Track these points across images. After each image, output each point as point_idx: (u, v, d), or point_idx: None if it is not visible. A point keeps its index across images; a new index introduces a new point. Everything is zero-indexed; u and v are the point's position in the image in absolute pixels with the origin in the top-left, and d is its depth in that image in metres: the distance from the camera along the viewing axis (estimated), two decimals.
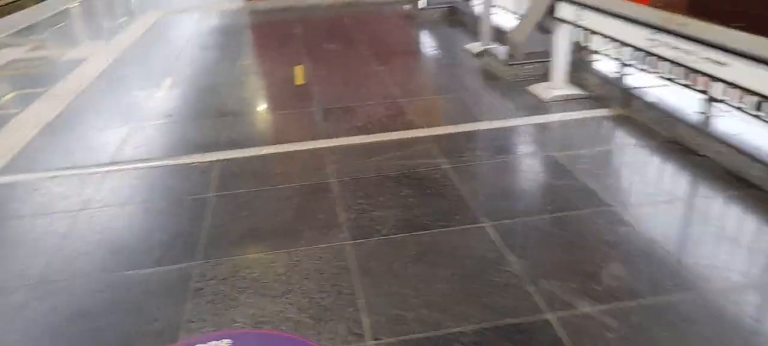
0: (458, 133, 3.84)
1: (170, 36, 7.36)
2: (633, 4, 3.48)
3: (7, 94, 5.09)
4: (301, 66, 5.63)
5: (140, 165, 3.53)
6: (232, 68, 5.74)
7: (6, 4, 19.04)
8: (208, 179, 3.28)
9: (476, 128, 3.94)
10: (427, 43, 6.59)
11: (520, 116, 4.11)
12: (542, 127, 3.89)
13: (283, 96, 4.84)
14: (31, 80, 5.51)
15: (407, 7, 8.57)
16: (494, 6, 5.98)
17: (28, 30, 8.05)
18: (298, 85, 5.08)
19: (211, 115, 4.40)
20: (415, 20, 7.74)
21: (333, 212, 2.87)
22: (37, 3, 11.95)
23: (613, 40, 3.93)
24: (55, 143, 3.93)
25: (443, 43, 6.59)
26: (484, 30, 5.98)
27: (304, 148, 3.70)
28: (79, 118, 4.43)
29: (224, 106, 4.59)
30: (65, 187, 3.27)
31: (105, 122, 4.32)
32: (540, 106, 4.25)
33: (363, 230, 2.69)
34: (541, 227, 2.68)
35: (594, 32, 4.16)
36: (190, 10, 9.10)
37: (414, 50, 6.40)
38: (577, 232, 2.61)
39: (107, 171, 3.46)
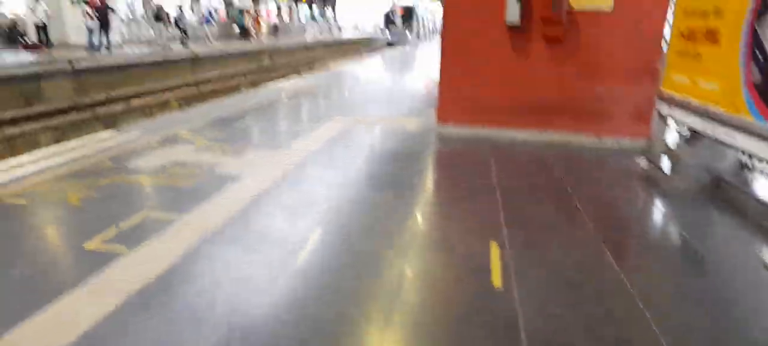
0: None
1: (343, 156, 6.26)
2: None
3: (135, 214, 4.19)
4: (497, 246, 3.87)
5: None
6: (401, 225, 4.22)
7: (222, 89, 21.07)
8: None
9: None
10: (692, 238, 4.33)
11: None
12: None
13: (474, 317, 3.04)
14: (169, 199, 4.64)
15: (643, 163, 6.42)
16: None
17: (215, 123, 7.77)
18: (494, 287, 3.30)
19: (355, 332, 2.81)
20: (658, 188, 5.55)
21: None
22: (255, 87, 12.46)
23: None
24: None
25: (718, 243, 4.32)
26: None
27: None
28: (174, 292, 3.19)
29: (376, 314, 2.99)
30: None
31: (201, 317, 2.98)
32: None
33: None
34: None
35: None
36: (376, 122, 8.15)
37: (675, 250, 4.19)
38: None
39: None
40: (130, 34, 25.30)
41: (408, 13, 41.53)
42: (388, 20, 41.60)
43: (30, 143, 12.21)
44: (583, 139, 7.33)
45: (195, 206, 4.38)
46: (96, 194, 4.62)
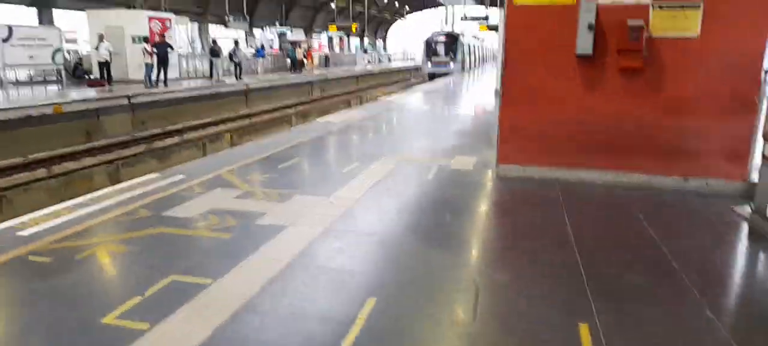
0: None
1: (393, 205, 5.65)
2: None
3: (163, 278, 3.73)
4: (588, 330, 3.14)
5: None
6: (462, 296, 3.56)
7: (273, 121, 21.00)
8: None
9: None
10: None
11: None
12: None
13: None
14: (203, 258, 4.17)
15: (745, 212, 5.48)
16: None
17: (261, 163, 7.40)
18: None
19: None
20: None
21: None
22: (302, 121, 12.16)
23: None
24: None
25: None
26: None
27: None
28: None
29: None
30: None
31: None
32: None
33: None
34: None
35: None
36: (428, 162, 7.55)
37: None
38: None
39: None
40: (188, 69, 26.02)
41: (451, 41, 35.63)
42: (429, 49, 35.80)
43: (86, 178, 12.36)
44: (666, 180, 6.44)
45: (230, 267, 3.89)
46: (125, 251, 4.22)
